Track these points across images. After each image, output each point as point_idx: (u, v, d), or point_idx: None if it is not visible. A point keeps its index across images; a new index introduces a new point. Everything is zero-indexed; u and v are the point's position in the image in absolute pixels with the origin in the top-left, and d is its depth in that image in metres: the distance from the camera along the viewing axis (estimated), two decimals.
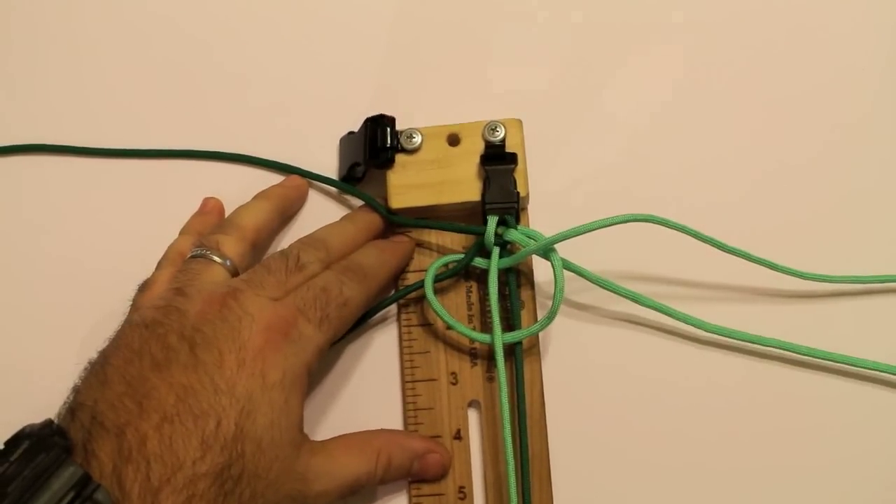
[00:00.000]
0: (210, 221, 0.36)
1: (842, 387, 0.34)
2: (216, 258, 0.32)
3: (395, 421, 0.34)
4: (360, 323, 0.34)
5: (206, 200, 0.37)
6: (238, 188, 0.37)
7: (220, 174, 0.37)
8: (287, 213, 0.37)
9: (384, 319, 0.36)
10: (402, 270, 0.35)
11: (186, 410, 0.27)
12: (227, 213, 0.36)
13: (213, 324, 0.28)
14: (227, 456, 0.26)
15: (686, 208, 0.35)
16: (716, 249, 0.33)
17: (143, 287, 0.32)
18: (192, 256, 0.32)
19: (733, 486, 0.33)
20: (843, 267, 0.35)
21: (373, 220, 0.35)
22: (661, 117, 0.38)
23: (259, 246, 0.35)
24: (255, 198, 0.36)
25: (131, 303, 0.32)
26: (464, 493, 0.33)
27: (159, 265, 0.33)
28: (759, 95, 0.38)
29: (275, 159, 0.37)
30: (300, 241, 0.33)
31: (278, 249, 0.33)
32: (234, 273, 0.32)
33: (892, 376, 0.34)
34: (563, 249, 0.33)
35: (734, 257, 0.34)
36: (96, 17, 0.40)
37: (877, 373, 0.33)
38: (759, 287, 0.35)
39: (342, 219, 0.36)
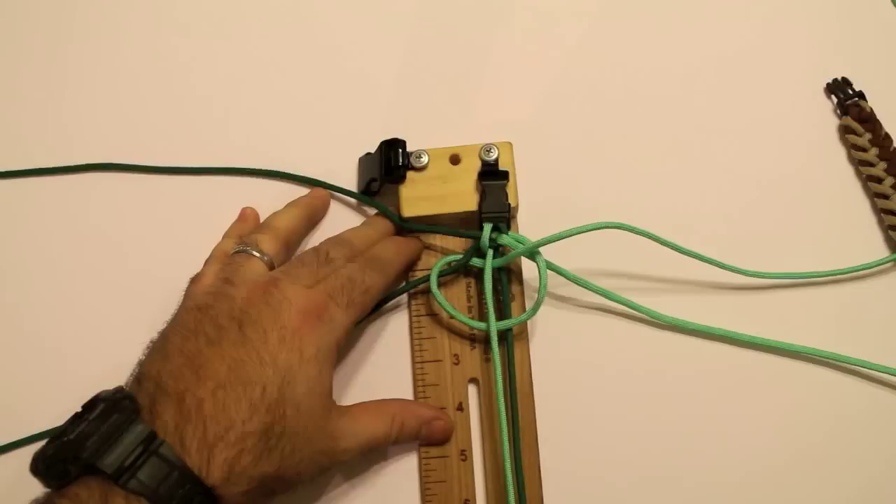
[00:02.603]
0: (248, 227, 0.36)
1: (778, 367, 0.35)
2: (256, 253, 0.32)
3: (406, 394, 0.35)
4: (377, 308, 0.35)
5: (244, 210, 0.37)
6: (271, 199, 0.37)
7: (256, 188, 0.38)
8: (314, 220, 0.37)
9: (397, 307, 0.36)
10: (414, 262, 0.36)
11: (236, 379, 0.27)
12: (262, 220, 0.37)
13: (258, 307, 0.29)
14: (271, 417, 0.27)
15: (651, 216, 0.36)
16: (673, 252, 0.35)
17: (194, 280, 0.32)
18: (236, 252, 0.32)
19: (685, 444, 0.34)
20: (778, 264, 0.36)
21: (388, 226, 0.36)
22: (631, 139, 0.39)
23: (291, 246, 0.35)
24: (286, 206, 0.36)
25: (184, 293, 0.32)
26: (465, 455, 0.33)
27: (207, 262, 0.34)
28: (720, 119, 0.38)
29: (303, 174, 0.38)
30: (328, 240, 0.34)
31: (308, 248, 0.34)
32: (271, 266, 0.32)
33: (821, 358, 0.35)
34: (546, 251, 0.34)
35: (688, 258, 0.35)
36: (136, 44, 0.40)
37: (808, 356, 0.35)
38: (707, 282, 0.36)
39: (362, 224, 0.37)
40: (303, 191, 0.38)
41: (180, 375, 0.27)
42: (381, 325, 0.36)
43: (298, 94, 0.40)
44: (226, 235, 0.36)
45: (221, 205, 0.37)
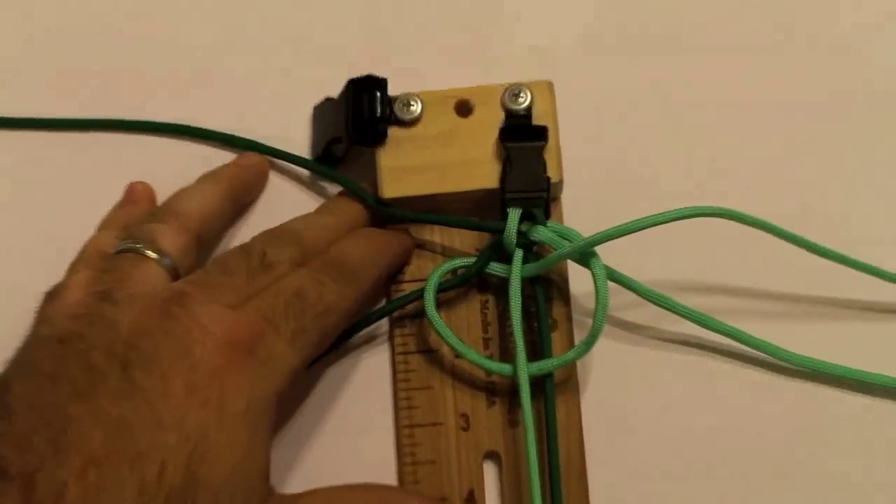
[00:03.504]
0: (138, 213, 0.36)
1: None
2: (150, 253, 0.32)
3: (387, 475, 0.35)
4: (342, 340, 0.35)
5: (133, 186, 0.37)
6: (176, 169, 0.37)
7: (152, 151, 0.38)
8: (241, 201, 0.37)
9: (372, 339, 0.36)
10: (399, 269, 0.36)
11: (119, 451, 0.27)
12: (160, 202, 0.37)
13: (154, 337, 0.29)
14: None
15: (762, 202, 0.36)
16: (806, 253, 0.34)
17: (53, 295, 0.32)
18: (119, 252, 0.32)
19: None
20: None
21: (357, 213, 0.36)
22: (734, 83, 0.39)
23: (206, 241, 0.35)
24: (199, 180, 0.37)
25: (37, 315, 0.32)
26: None
27: (72, 268, 0.34)
28: (856, 67, 0.39)
29: (225, 131, 0.38)
30: (266, 233, 0.34)
31: (234, 246, 0.34)
32: (175, 274, 0.32)
33: None
34: (605, 254, 0.33)
35: (830, 263, 0.35)
36: None
37: None
38: (862, 302, 0.36)
39: (319, 209, 0.37)
40: (226, 156, 0.38)
41: (29, 446, 0.27)
42: (349, 367, 0.36)
43: (215, 4, 0.40)
44: (102, 227, 0.36)
45: (97, 178, 0.37)
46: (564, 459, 0.33)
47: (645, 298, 0.34)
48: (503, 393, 0.35)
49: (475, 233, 0.36)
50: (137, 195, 0.37)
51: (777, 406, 0.35)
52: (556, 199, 0.36)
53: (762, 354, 0.35)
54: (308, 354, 0.31)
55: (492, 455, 0.35)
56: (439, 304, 0.35)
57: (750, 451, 0.35)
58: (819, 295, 0.36)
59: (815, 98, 0.39)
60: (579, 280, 0.35)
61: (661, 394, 0.35)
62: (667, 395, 0.35)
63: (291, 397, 0.35)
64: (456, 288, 0.35)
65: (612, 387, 0.35)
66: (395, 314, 0.36)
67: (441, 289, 0.35)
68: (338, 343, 0.35)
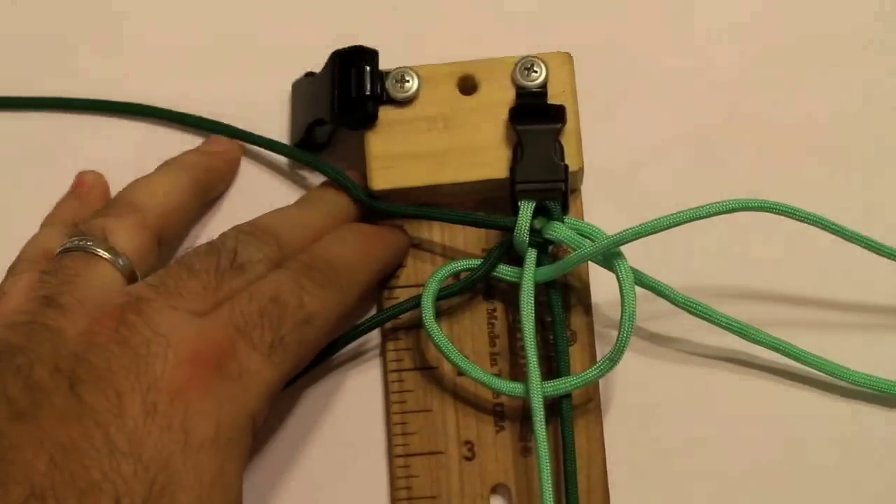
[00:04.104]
0: (89, 207, 0.36)
1: None
2: (102, 252, 0.32)
3: None
4: (327, 356, 0.35)
5: (82, 176, 0.37)
6: (135, 156, 0.38)
7: (106, 134, 0.39)
8: (209, 193, 0.38)
9: (361, 354, 0.37)
10: (391, 272, 0.36)
11: (66, 482, 0.26)
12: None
13: (107, 350, 0.29)
14: None
15: (811, 195, 0.36)
16: (867, 253, 0.34)
17: None
18: (66, 250, 0.32)
19: None
20: None
21: (344, 206, 0.36)
22: (772, 58, 0.39)
23: (167, 240, 0.36)
24: (160, 168, 0.37)
25: None
26: None
27: (11, 270, 0.34)
28: None
29: (191, 112, 0.38)
30: (237, 229, 0.34)
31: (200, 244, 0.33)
32: (131, 276, 0.32)
33: None
34: (630, 256, 0.34)
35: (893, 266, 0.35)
36: None
37: None
38: None
39: (299, 201, 0.37)
40: (192, 140, 0.38)
41: None
42: (334, 386, 0.36)
43: None
44: (47, 223, 0.36)
45: (42, 165, 0.38)
46: (584, 494, 0.34)
47: (679, 307, 0.34)
48: (513, 417, 0.35)
49: (481, 231, 0.36)
50: (87, 187, 0.37)
51: (834, 431, 0.35)
52: (576, 190, 0.37)
53: (811, 370, 0.35)
54: (287, 370, 0.31)
55: (500, 489, 0.35)
56: (439, 314, 0.35)
57: (803, 486, 0.35)
58: (883, 304, 0.37)
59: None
60: (602, 285, 0.36)
61: (698, 419, 0.36)
62: (704, 420, 0.36)
63: (272, 419, 0.35)
64: (459, 295, 0.35)
65: (639, 410, 0.36)
66: (388, 325, 0.36)
67: (441, 296, 0.35)
68: (321, 359, 0.35)
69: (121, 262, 0.32)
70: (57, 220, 0.36)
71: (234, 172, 0.38)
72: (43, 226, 0.36)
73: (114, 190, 0.37)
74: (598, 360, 0.34)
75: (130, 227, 0.33)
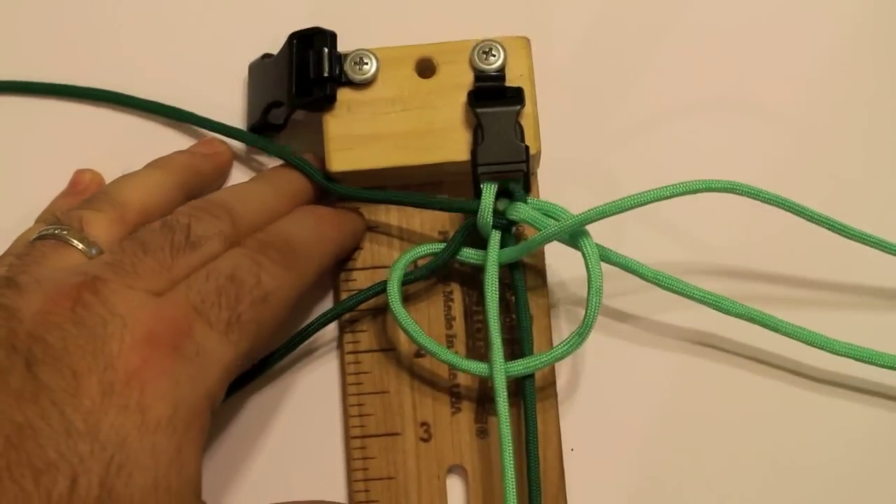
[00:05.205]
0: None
1: None
2: (75, 241, 0.32)
3: (336, 494, 0.35)
4: (290, 350, 0.35)
5: (79, 175, 0.38)
6: (82, 139, 0.38)
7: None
8: (193, 195, 0.37)
9: (318, 338, 0.36)
10: (348, 254, 0.36)
11: (21, 462, 0.26)
12: None
13: (63, 329, 0.29)
14: None
15: (779, 177, 0.36)
16: (831, 234, 0.35)
17: None
18: (41, 237, 0.33)
19: None
20: None
21: (301, 186, 0.36)
22: (743, 34, 0.39)
23: None
24: (148, 166, 0.37)
25: None
26: None
27: None
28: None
29: (145, 96, 0.38)
30: (190, 205, 0.34)
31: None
32: None
33: None
34: (599, 239, 0.34)
35: (857, 245, 0.35)
36: None
37: None
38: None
39: (253, 178, 0.37)
40: (148, 127, 0.39)
41: None
42: (292, 368, 0.36)
43: None
44: (41, 219, 0.37)
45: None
46: (543, 475, 0.34)
47: (648, 281, 0.34)
48: (470, 398, 0.35)
49: (437, 214, 0.36)
50: (84, 185, 0.37)
51: (806, 409, 0.36)
52: (533, 174, 0.37)
53: (788, 351, 0.36)
54: (244, 349, 0.31)
55: (456, 469, 0.35)
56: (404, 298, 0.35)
57: (774, 463, 0.35)
58: (853, 282, 0.37)
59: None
60: (567, 263, 0.36)
61: (665, 396, 0.36)
62: (670, 396, 0.36)
63: (225, 404, 0.34)
64: (423, 279, 0.35)
65: (603, 390, 0.36)
66: (346, 312, 0.36)
67: (406, 280, 0.35)
68: (283, 353, 0.35)
69: (93, 252, 0.32)
70: (51, 217, 0.36)
71: (224, 176, 0.38)
72: (37, 221, 0.36)
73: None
74: (563, 339, 0.34)
75: (108, 220, 0.33)
